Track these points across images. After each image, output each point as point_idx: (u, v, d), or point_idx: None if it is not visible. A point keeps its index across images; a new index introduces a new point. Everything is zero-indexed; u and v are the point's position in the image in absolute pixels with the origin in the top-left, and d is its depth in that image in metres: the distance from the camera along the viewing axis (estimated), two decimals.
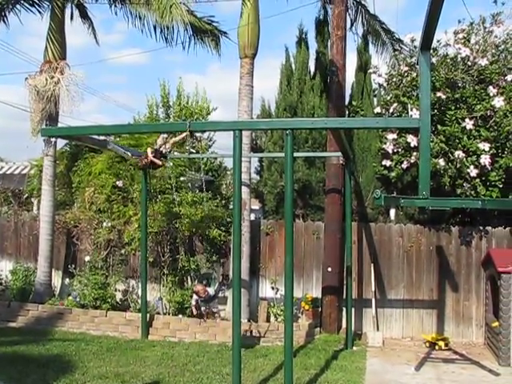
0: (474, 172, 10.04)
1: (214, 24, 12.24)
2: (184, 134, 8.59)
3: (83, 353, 8.96)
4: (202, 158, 12.54)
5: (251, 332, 10.08)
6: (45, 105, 11.26)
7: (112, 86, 69.20)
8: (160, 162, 9.02)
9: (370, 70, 12.28)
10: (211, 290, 9.82)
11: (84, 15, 12.73)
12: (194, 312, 9.77)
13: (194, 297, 9.70)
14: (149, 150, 9.02)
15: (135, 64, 70.53)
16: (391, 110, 11.12)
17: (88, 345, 9.50)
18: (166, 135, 9.12)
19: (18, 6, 12.13)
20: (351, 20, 13.56)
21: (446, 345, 10.11)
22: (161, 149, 9.16)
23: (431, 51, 9.22)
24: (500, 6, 10.82)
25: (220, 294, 10.14)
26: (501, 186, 10.19)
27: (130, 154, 9.85)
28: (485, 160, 9.92)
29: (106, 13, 13.97)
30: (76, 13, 12.56)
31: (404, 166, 10.78)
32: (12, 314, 10.94)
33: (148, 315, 10.39)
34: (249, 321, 10.54)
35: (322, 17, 13.80)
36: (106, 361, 8.54)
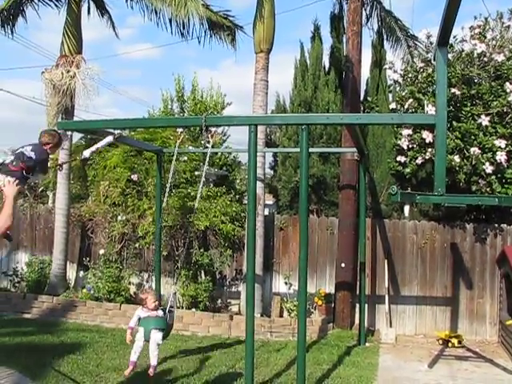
0: (489, 169, 9.97)
1: (230, 18, 12.20)
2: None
3: (97, 345, 9.02)
4: (217, 153, 12.52)
5: (264, 327, 10.10)
6: (61, 99, 11.33)
7: (126, 81, 69.49)
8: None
9: (386, 66, 12.23)
10: (160, 312, 6.47)
11: (102, 9, 12.79)
12: (127, 339, 6.34)
13: (137, 311, 6.40)
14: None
15: (148, 59, 70.73)
16: (406, 106, 11.05)
17: (102, 337, 9.58)
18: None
19: (35, 0, 12.20)
20: (366, 15, 13.48)
21: (460, 342, 10.07)
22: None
23: (447, 47, 9.16)
24: None
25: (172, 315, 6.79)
26: None
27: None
28: (501, 157, 9.85)
29: (117, 7, 14.02)
30: (93, 7, 12.63)
31: (419, 161, 10.71)
32: (27, 306, 11.06)
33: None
34: (262, 315, 10.57)
35: (337, 12, 13.76)
36: (119, 353, 8.58)
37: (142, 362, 7.61)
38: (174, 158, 8.79)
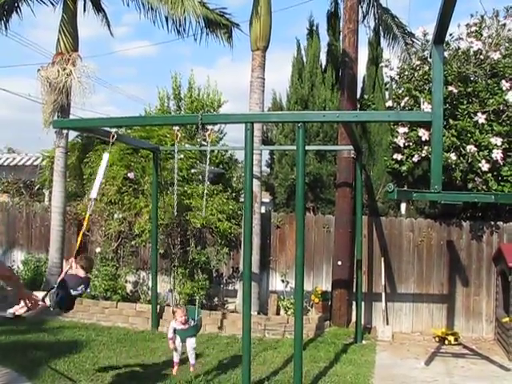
0: (485, 166, 9.99)
1: (226, 16, 12.22)
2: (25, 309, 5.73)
3: (93, 343, 9.01)
4: (213, 151, 12.52)
5: (261, 324, 10.10)
6: (57, 96, 11.31)
7: (122, 79, 69.39)
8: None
9: (382, 64, 12.23)
10: (192, 322, 7.19)
11: (97, 6, 12.76)
12: (171, 347, 7.09)
13: (172, 324, 7.09)
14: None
15: (144, 56, 70.69)
16: (403, 104, 11.08)
17: (98, 335, 9.57)
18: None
19: None
20: (363, 13, 13.50)
21: (456, 340, 10.08)
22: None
23: (443, 45, 9.17)
24: None
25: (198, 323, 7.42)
26: None
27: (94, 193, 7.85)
28: (497, 155, 9.87)
29: (113, 5, 14.02)
30: (89, 4, 12.60)
31: (415, 159, 10.74)
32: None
33: (158, 307, 10.44)
34: (258, 313, 10.56)
35: (333, 9, 13.76)
36: (116, 351, 8.59)
37: (143, 359, 7.64)
38: (176, 156, 8.77)
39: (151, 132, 12.20)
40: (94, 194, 6.85)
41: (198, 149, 12.25)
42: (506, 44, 10.66)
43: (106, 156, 7.11)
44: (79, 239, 6.52)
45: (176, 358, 7.15)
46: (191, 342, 7.10)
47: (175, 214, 9.09)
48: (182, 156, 11.62)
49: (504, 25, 10.78)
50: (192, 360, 7.18)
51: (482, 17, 10.86)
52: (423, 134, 10.26)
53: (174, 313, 7.18)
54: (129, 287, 11.63)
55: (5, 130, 46.68)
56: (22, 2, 12.23)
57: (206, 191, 8.36)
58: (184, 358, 7.17)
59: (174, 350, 7.08)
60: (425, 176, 10.54)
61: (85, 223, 6.67)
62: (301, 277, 6.63)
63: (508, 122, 10.12)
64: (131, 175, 11.69)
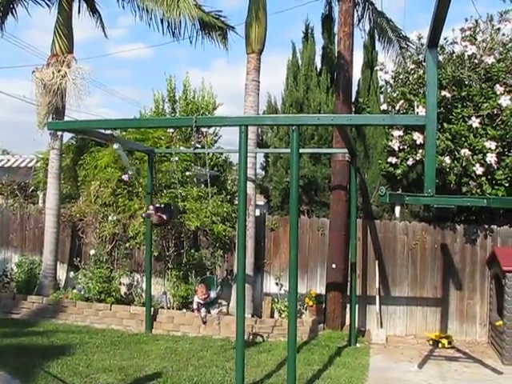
0: (479, 170, 10.00)
1: (221, 18, 12.23)
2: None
3: (87, 346, 8.99)
4: (208, 153, 12.52)
5: (255, 327, 10.10)
6: (51, 98, 11.29)
7: (117, 81, 69.36)
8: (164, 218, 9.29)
9: (377, 67, 12.24)
10: (213, 293, 8.73)
11: (92, 8, 12.76)
12: (196, 314, 8.97)
13: (195, 299, 8.76)
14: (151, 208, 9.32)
15: (139, 59, 70.65)
16: (397, 108, 11.10)
17: (92, 338, 9.55)
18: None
19: None
20: (358, 16, 13.50)
21: (450, 343, 10.11)
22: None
23: (438, 49, 9.19)
24: (508, 3, 10.79)
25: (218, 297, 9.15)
26: (507, 184, 10.13)
27: (128, 175, 10.91)
28: (491, 158, 9.88)
29: (108, 7, 14.03)
30: (83, 6, 12.60)
31: (409, 163, 10.75)
32: (16, 307, 11.00)
33: (152, 309, 10.43)
34: (253, 316, 10.57)
35: (328, 13, 13.79)
36: (109, 354, 8.58)
37: (137, 362, 7.62)
38: (174, 158, 8.87)
39: (146, 134, 12.21)
40: (130, 172, 8.18)
41: (192, 151, 12.24)
42: (500, 48, 10.67)
43: (115, 145, 8.09)
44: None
45: (203, 319, 8.78)
46: (214, 311, 8.81)
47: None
48: (176, 158, 11.62)
49: (498, 29, 10.80)
50: (216, 321, 9.16)
51: (477, 21, 10.88)
52: (418, 137, 10.27)
53: (195, 291, 8.72)
54: (123, 289, 11.61)
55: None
56: (17, 3, 12.22)
57: (210, 193, 8.90)
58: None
59: (201, 318, 8.79)
60: (419, 179, 10.56)
61: None
62: (294, 280, 6.63)
63: (502, 126, 10.14)
64: (126, 177, 11.67)
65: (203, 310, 8.66)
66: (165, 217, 9.07)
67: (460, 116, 10.26)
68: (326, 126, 11.95)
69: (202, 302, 8.55)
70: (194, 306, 8.73)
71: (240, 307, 6.76)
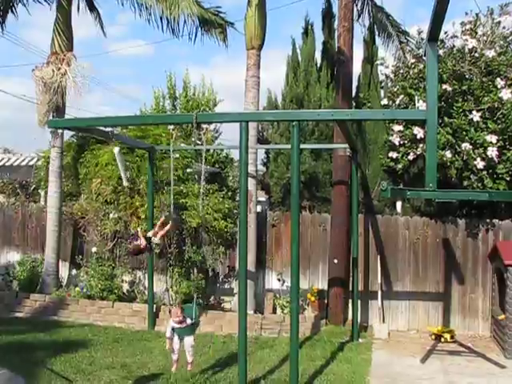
0: (480, 164, 9.99)
1: (221, 15, 12.21)
2: (168, 227, 7.58)
3: (90, 343, 9.01)
4: (209, 150, 12.52)
5: (257, 323, 10.10)
6: (51, 96, 11.29)
7: (117, 78, 69.30)
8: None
9: (377, 62, 12.25)
10: (189, 320, 7.18)
11: (91, 6, 12.73)
12: (167, 347, 7.32)
13: (170, 323, 7.22)
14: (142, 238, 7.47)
15: (139, 56, 70.58)
16: (398, 102, 11.08)
17: (95, 335, 9.56)
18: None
19: None
20: (358, 11, 13.49)
21: (452, 337, 10.11)
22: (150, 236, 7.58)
23: (438, 43, 9.17)
24: None
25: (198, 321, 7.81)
26: (508, 178, 10.13)
27: (125, 181, 10.31)
28: (492, 152, 9.87)
29: (107, 4, 14.02)
30: (83, 4, 12.58)
31: (410, 157, 10.74)
32: (19, 305, 11.01)
33: (155, 306, 10.43)
34: (255, 312, 10.57)
35: (327, 8, 13.77)
36: (112, 351, 8.59)
37: (139, 359, 7.63)
38: (170, 153, 8.77)
39: (147, 131, 12.19)
40: (125, 182, 7.46)
41: (193, 148, 12.22)
42: (501, 42, 10.66)
43: (116, 149, 7.66)
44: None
45: (175, 357, 7.28)
46: (189, 340, 7.19)
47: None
48: (177, 155, 11.62)
49: (499, 22, 10.78)
50: (190, 358, 7.27)
51: (477, 15, 10.86)
52: (418, 131, 10.26)
53: (170, 312, 7.27)
54: (125, 287, 11.62)
55: (1, 130, 46.55)
56: (17, 2, 12.21)
57: (201, 188, 8.44)
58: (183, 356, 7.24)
59: (171, 350, 7.22)
60: (420, 174, 10.53)
61: None
62: (296, 275, 6.63)
63: (503, 119, 10.12)
64: (126, 183, 11.65)
65: (176, 339, 7.17)
66: (140, 242, 7.33)
67: (461, 110, 10.24)
68: (326, 121, 11.94)
69: (176, 325, 7.11)
70: (167, 334, 7.20)
71: (242, 303, 6.76)
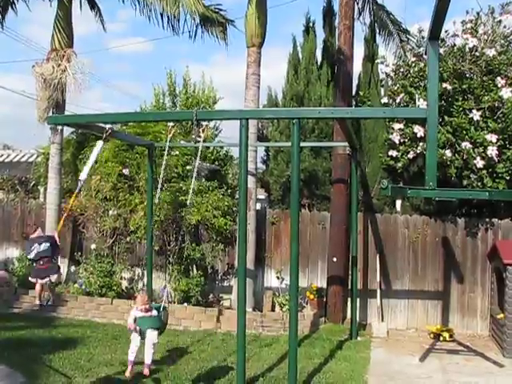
0: (480, 163, 9.98)
1: (221, 12, 12.19)
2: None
3: (88, 340, 9.01)
4: (209, 147, 12.50)
5: (256, 321, 10.10)
6: (51, 92, 11.29)
7: (118, 75, 69.26)
8: None
9: (378, 60, 12.22)
10: (155, 312, 6.61)
11: (92, 3, 12.71)
12: (131, 334, 6.59)
13: (133, 311, 6.54)
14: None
15: (138, 53, 70.51)
16: (398, 100, 11.05)
17: (93, 332, 9.56)
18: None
19: None
20: (359, 9, 13.48)
21: (451, 336, 10.11)
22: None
23: (439, 41, 9.15)
24: None
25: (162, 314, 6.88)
26: (508, 177, 10.11)
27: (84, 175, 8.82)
28: (492, 151, 9.86)
29: (107, 2, 14.00)
30: (84, 1, 12.56)
31: (410, 156, 10.72)
32: (18, 301, 11.02)
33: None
34: (254, 310, 10.57)
35: (328, 6, 13.75)
36: (111, 348, 8.59)
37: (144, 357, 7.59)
38: (166, 152, 8.73)
39: (146, 128, 12.18)
40: (83, 175, 7.09)
41: (193, 145, 12.18)
42: (502, 41, 10.64)
43: (100, 143, 7.40)
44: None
45: (131, 356, 6.46)
46: (152, 336, 6.42)
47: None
48: (177, 152, 11.61)
49: (499, 21, 10.76)
50: (148, 359, 6.43)
51: (478, 13, 10.84)
52: (418, 130, 10.25)
53: (134, 298, 6.46)
54: (124, 284, 11.62)
55: (0, 126, 46.53)
56: None
57: (193, 184, 8.41)
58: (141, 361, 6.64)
59: (129, 347, 6.47)
60: (420, 173, 10.51)
61: (71, 200, 7.41)
62: (295, 273, 6.63)
63: (503, 118, 10.11)
64: (126, 171, 11.66)
65: (136, 335, 6.45)
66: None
67: (461, 109, 10.23)
68: (326, 119, 11.95)
69: (140, 313, 6.39)
70: (130, 325, 6.42)
71: (241, 301, 6.75)
